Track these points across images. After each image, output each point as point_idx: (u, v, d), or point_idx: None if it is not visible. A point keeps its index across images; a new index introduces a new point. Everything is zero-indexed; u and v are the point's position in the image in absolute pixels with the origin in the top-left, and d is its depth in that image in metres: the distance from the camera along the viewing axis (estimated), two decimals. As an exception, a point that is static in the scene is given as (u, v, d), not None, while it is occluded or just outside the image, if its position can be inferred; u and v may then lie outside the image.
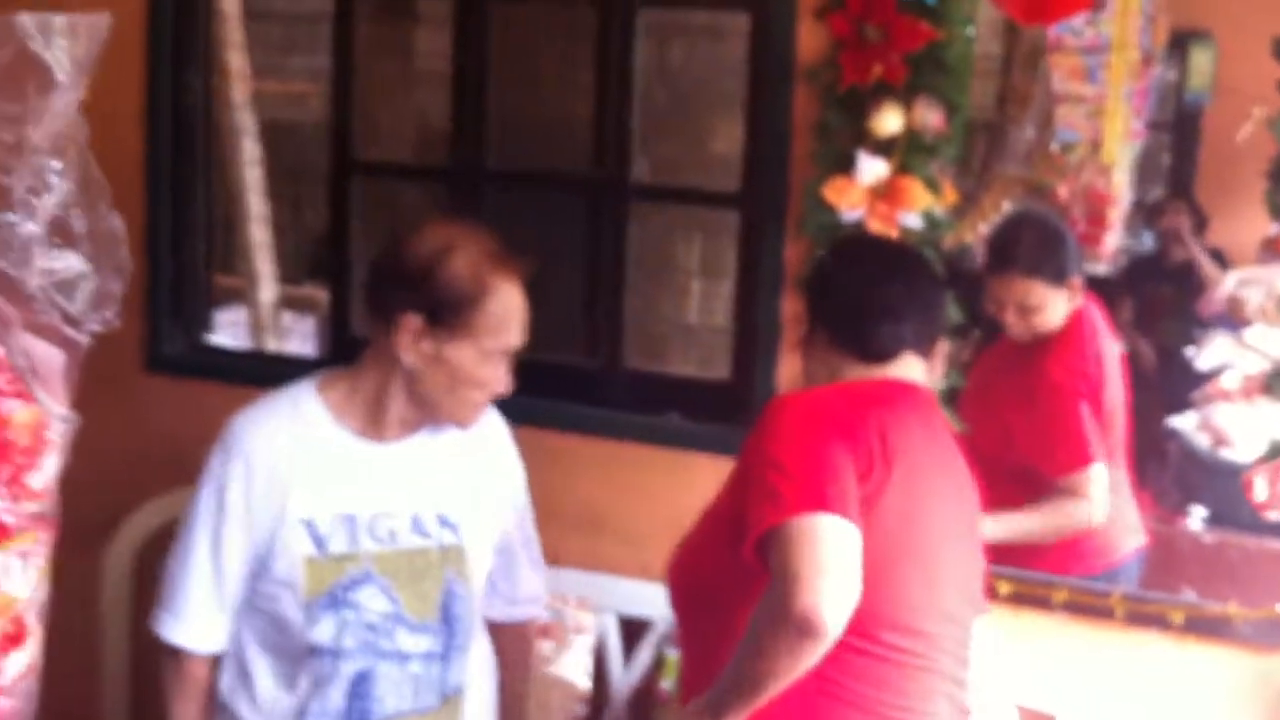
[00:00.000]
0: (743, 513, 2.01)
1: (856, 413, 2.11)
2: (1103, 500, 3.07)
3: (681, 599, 2.23)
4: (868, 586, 1.93)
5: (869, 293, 2.23)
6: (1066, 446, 3.09)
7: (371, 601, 2.20)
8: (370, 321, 2.23)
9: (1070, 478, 3.07)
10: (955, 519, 2.20)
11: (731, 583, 2.06)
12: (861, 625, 1.98)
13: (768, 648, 1.89)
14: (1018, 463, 3.11)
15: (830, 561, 1.88)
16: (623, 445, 3.31)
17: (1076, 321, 3.18)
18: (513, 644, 2.50)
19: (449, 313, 2.13)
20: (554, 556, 2.97)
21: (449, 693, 2.27)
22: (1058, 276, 3.14)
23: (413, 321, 2.14)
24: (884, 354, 2.20)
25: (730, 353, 3.31)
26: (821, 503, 1.93)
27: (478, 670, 2.37)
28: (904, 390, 2.20)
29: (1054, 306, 3.14)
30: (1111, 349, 3.27)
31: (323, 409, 2.24)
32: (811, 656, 1.88)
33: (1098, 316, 3.25)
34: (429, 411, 2.21)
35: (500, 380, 2.19)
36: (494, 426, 2.39)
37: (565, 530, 3.20)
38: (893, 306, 2.20)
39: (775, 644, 1.88)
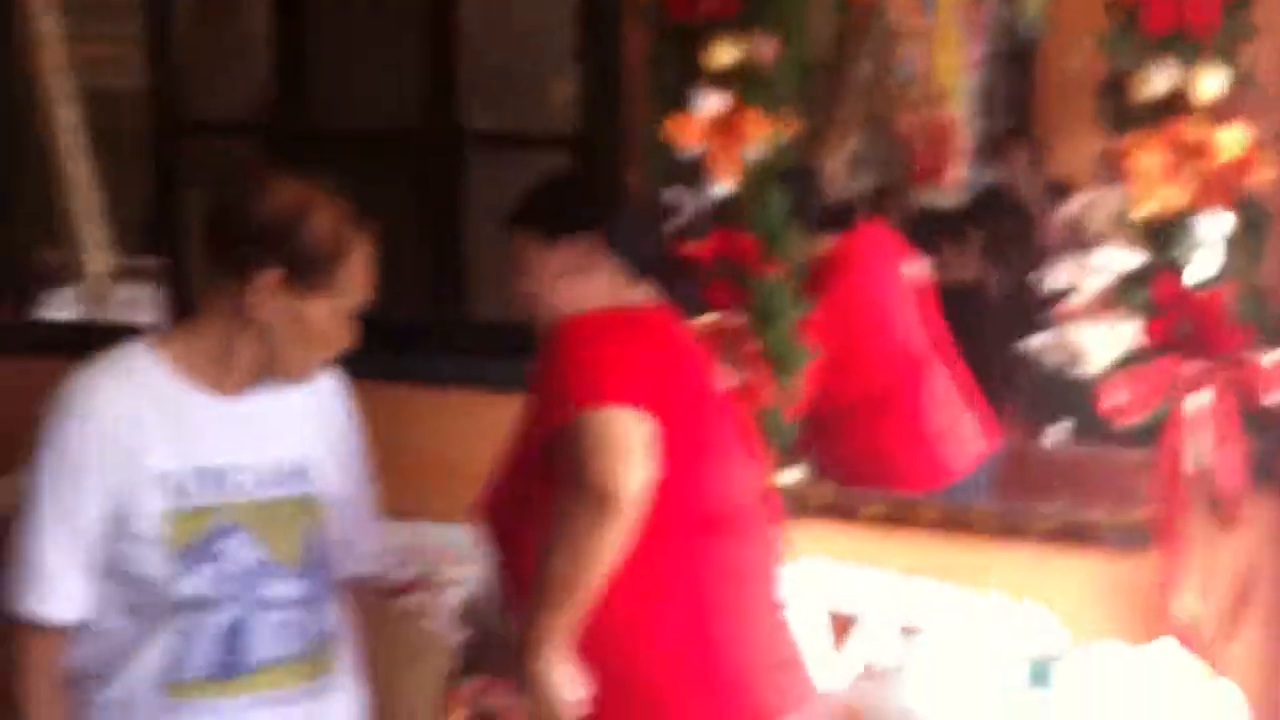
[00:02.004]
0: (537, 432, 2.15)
1: (631, 317, 2.28)
2: None
3: (496, 536, 2.32)
4: (670, 476, 2.07)
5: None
6: None
7: (239, 551, 2.18)
8: (212, 276, 2.18)
9: None
10: (725, 420, 2.34)
11: (539, 510, 2.14)
12: (672, 517, 2.11)
13: (569, 532, 2.01)
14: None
15: (618, 443, 2.02)
16: (478, 394, 3.29)
17: None
18: (364, 597, 2.48)
19: (310, 270, 2.12)
20: (418, 511, 2.93)
21: (318, 639, 2.27)
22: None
23: (270, 277, 2.11)
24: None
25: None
26: (603, 397, 2.06)
27: (344, 619, 2.37)
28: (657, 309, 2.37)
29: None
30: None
31: (161, 365, 2.19)
32: (613, 533, 2.00)
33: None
34: (274, 366, 2.20)
35: (347, 336, 2.20)
36: (329, 379, 2.37)
37: (426, 483, 3.16)
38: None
39: (575, 526, 2.01)
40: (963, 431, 3.31)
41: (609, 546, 2.00)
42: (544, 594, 2.07)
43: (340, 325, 2.18)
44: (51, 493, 2.14)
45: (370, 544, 2.44)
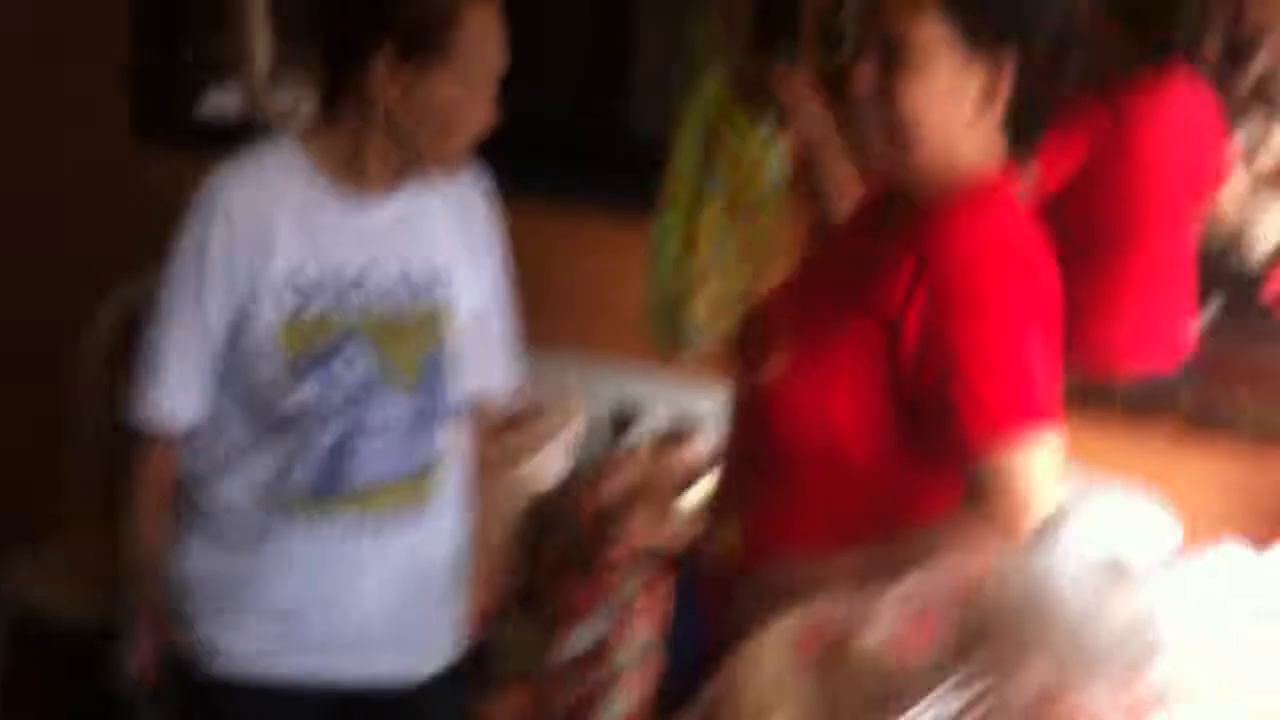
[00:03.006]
0: (920, 383, 1.77)
1: (1049, 273, 1.80)
2: None
3: (797, 448, 1.90)
4: None
5: None
6: None
7: (353, 364, 2.13)
8: (336, 64, 2.10)
9: None
10: None
11: (872, 442, 1.84)
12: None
13: (966, 550, 1.68)
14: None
15: (1049, 482, 1.72)
16: (631, 219, 3.01)
17: None
18: (483, 419, 2.43)
19: (423, 39, 2.01)
20: (552, 342, 2.86)
21: (426, 460, 2.23)
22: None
23: (385, 55, 2.02)
24: None
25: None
26: (1041, 413, 1.73)
27: (454, 442, 2.32)
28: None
29: None
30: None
31: (301, 164, 2.14)
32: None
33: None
34: (412, 158, 2.11)
35: (483, 114, 2.08)
36: (479, 187, 2.29)
37: (570, 312, 3.11)
38: None
39: (968, 541, 1.70)
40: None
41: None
42: (889, 562, 1.68)
43: (474, 103, 2.06)
44: (179, 292, 2.14)
45: (501, 363, 2.37)
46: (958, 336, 1.72)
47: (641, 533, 2.92)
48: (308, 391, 2.11)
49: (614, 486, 3.05)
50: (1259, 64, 3.38)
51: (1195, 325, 2.97)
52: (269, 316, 2.11)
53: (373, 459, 2.16)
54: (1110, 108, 2.86)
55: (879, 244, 1.85)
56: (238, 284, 2.11)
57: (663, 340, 2.38)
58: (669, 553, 2.82)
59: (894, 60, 1.71)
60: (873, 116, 1.76)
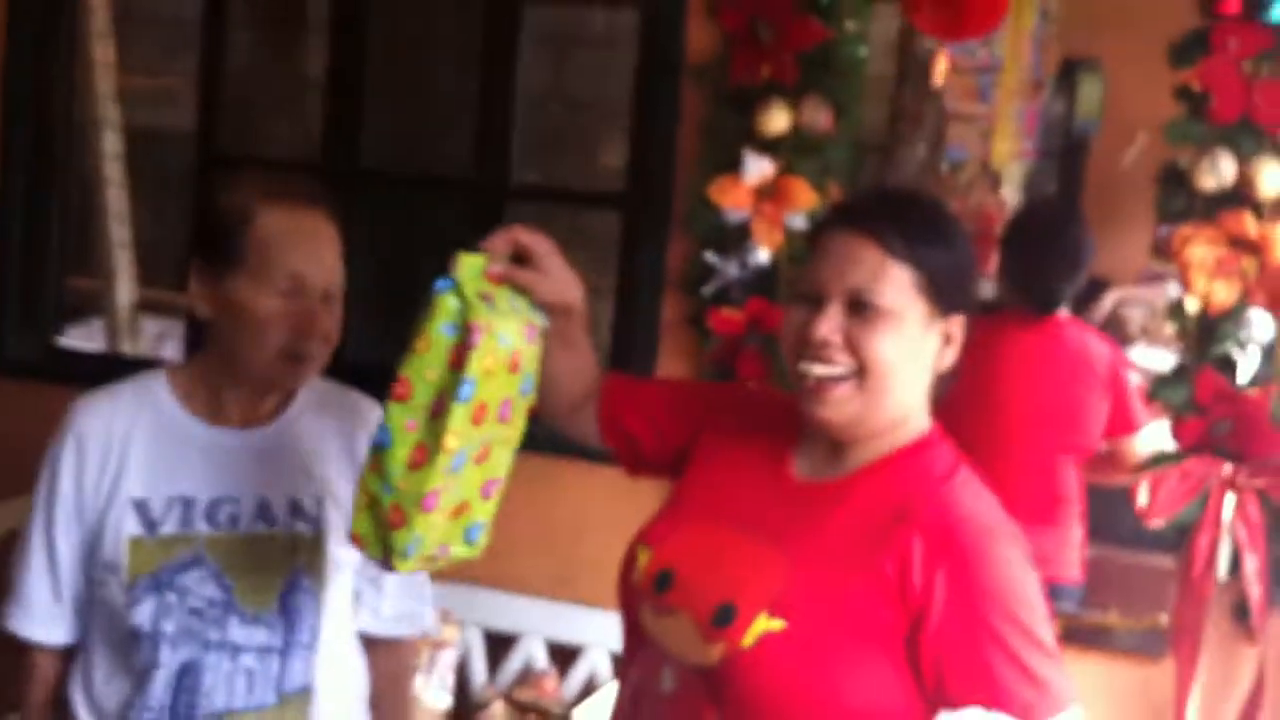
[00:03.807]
0: (945, 662, 1.62)
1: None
2: None
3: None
4: None
5: None
6: None
7: (199, 586, 2.06)
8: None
9: None
10: None
11: (895, 707, 1.66)
12: None
13: None
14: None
15: None
16: None
17: None
18: (382, 661, 2.31)
19: (220, 245, 2.00)
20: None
21: (288, 691, 2.12)
22: None
23: (196, 267, 2.03)
24: None
25: (608, 358, 3.20)
26: (1070, 692, 1.63)
27: (338, 678, 2.20)
28: None
29: None
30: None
31: (169, 393, 2.11)
32: None
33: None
34: (237, 371, 2.06)
35: (310, 324, 2.01)
36: (369, 411, 2.21)
37: None
38: None
39: None
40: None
41: None
42: None
43: (283, 305, 2.00)
44: (39, 514, 2.12)
45: (396, 605, 2.26)
46: (992, 626, 1.62)
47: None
48: (145, 610, 2.05)
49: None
50: (1106, 306, 3.53)
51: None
52: (114, 536, 2.06)
53: (225, 685, 2.07)
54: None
55: (841, 500, 1.74)
56: (85, 509, 2.08)
57: (374, 543, 1.87)
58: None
59: (867, 312, 1.68)
60: (838, 362, 1.69)
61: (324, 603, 2.13)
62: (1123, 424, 3.05)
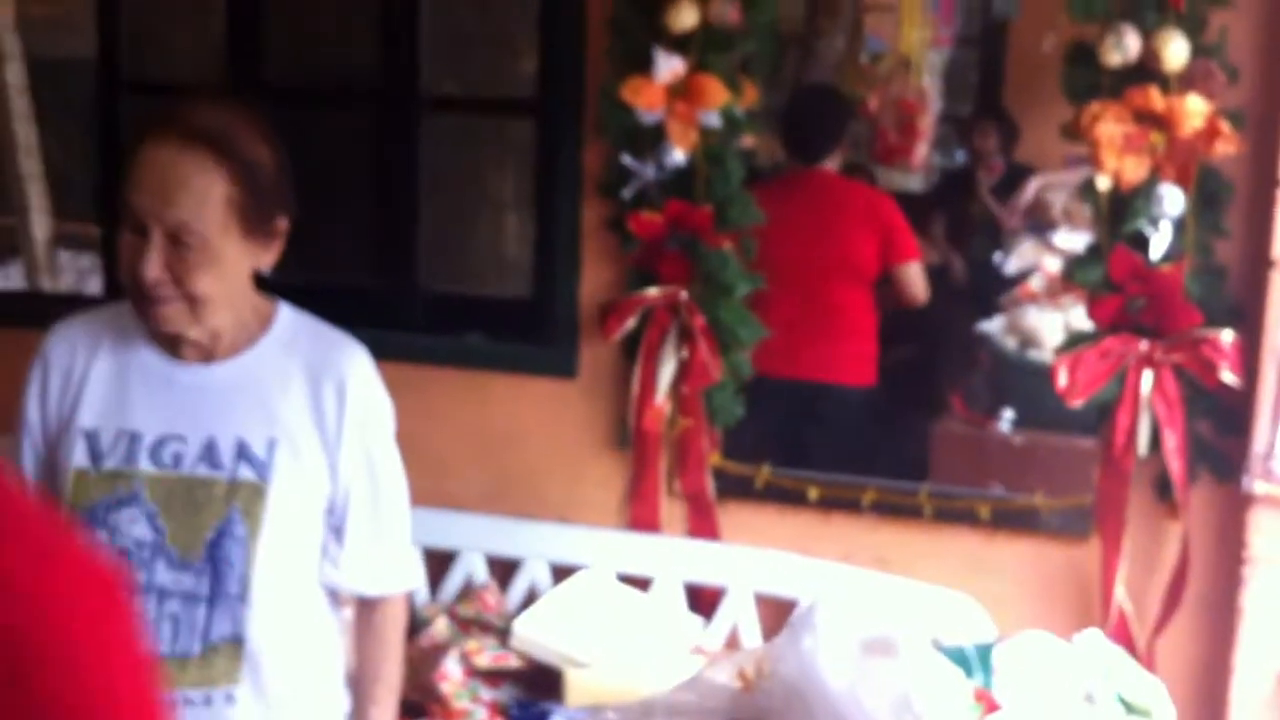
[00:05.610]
0: None
1: None
2: None
3: None
4: None
5: None
6: None
7: (129, 526, 2.00)
8: None
9: None
10: None
11: None
12: None
13: None
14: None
15: None
16: (422, 369, 3.14)
17: None
18: (359, 622, 2.20)
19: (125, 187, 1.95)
20: None
21: (215, 641, 2.02)
22: None
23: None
24: None
25: (531, 267, 3.17)
26: None
27: (284, 634, 2.08)
28: None
29: None
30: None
31: (138, 324, 2.04)
32: None
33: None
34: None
35: (140, 258, 1.92)
36: (356, 361, 2.12)
37: None
38: None
39: None
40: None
41: None
42: None
43: (136, 249, 1.92)
44: (14, 442, 2.10)
45: (360, 565, 2.12)
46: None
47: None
48: None
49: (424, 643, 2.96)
50: (1029, 192, 3.54)
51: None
52: (65, 465, 2.04)
53: (154, 629, 1.99)
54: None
55: None
56: (46, 434, 2.07)
57: None
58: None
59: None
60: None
61: (254, 552, 2.02)
62: (895, 253, 3.71)
